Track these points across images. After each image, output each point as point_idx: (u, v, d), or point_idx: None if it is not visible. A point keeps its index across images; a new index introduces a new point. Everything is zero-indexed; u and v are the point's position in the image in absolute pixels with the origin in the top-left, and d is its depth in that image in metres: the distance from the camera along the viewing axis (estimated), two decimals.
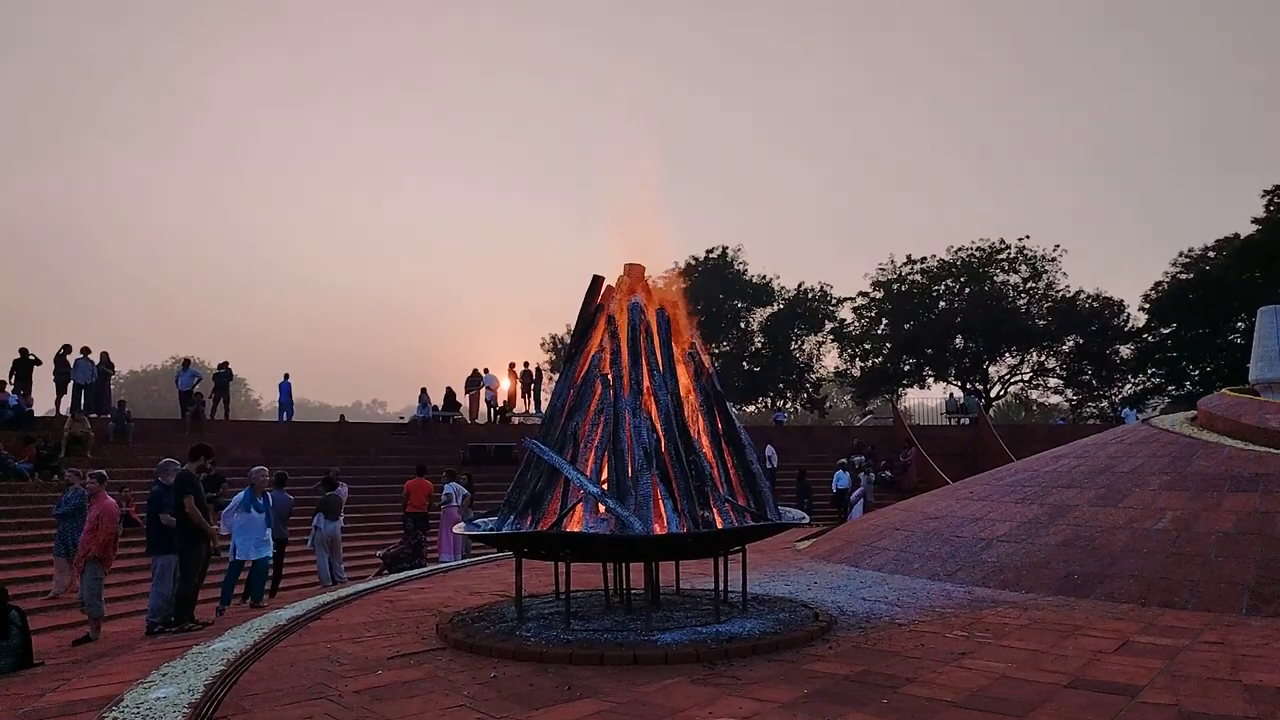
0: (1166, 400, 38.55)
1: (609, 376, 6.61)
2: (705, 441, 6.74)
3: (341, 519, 13.89)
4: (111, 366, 21.72)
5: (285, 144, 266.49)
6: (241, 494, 10.32)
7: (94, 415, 19.49)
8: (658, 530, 5.92)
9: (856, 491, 20.52)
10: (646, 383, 6.61)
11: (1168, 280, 38.17)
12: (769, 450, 24.98)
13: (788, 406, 45.18)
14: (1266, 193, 34.96)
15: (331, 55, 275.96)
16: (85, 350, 20.51)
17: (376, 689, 4.71)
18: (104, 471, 9.67)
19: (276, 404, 26.83)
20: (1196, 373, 37.91)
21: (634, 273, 7.26)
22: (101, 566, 8.94)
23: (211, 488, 12.97)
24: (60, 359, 20.34)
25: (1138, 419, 15.54)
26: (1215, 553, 7.30)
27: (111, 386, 22.34)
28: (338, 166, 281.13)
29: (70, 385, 20.24)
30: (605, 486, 6.20)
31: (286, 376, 25.60)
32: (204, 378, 24.55)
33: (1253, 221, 35.44)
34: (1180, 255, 38.41)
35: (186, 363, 23.64)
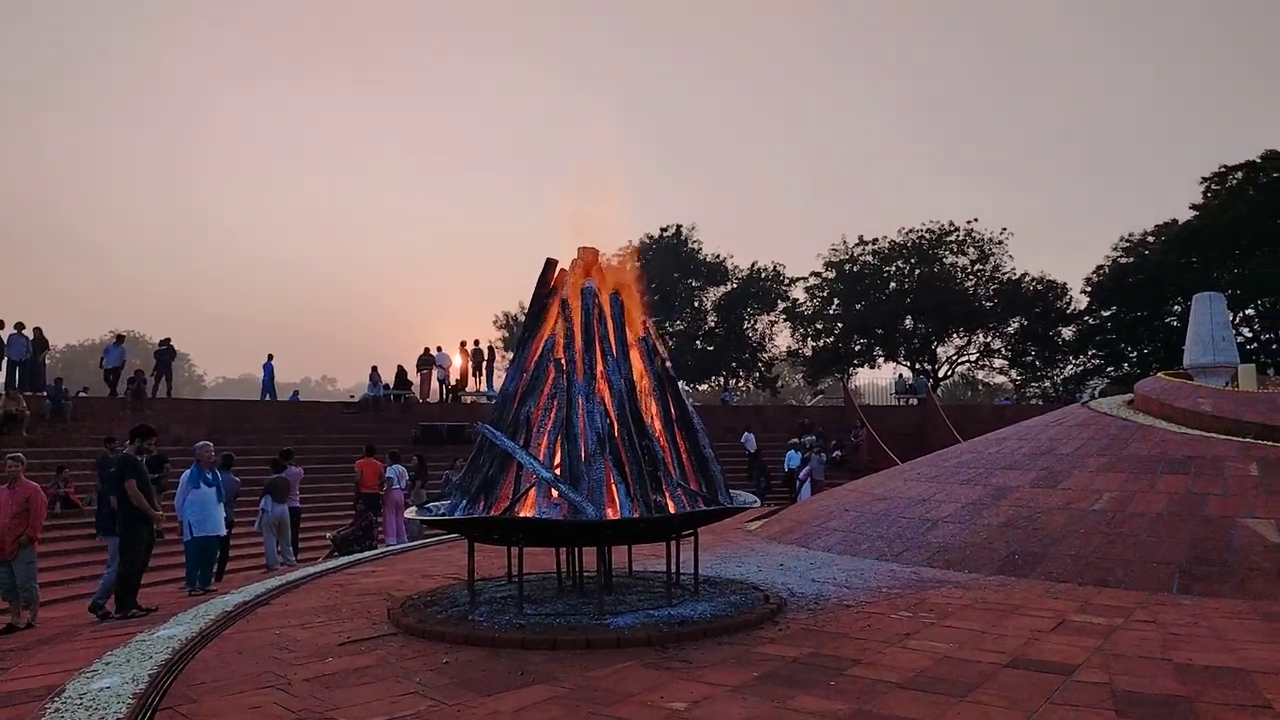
0: (1105, 381, 39.71)
1: (562, 361, 6.59)
2: (658, 425, 6.77)
3: (297, 498, 13.69)
4: (46, 343, 21.03)
5: (239, 119, 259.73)
6: (188, 471, 10.08)
7: (29, 393, 18.86)
8: (610, 515, 5.95)
9: (804, 471, 20.78)
10: (600, 367, 6.61)
11: (1108, 264, 39.19)
12: (746, 436, 24.64)
13: (740, 385, 45.52)
14: (1205, 179, 36.01)
15: (290, 31, 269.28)
16: (19, 326, 19.81)
17: (327, 676, 4.67)
18: (21, 454, 9.37)
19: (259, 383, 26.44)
20: (1134, 355, 39.07)
21: (588, 256, 7.24)
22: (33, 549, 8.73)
23: (154, 468, 12.66)
24: None
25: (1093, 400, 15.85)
26: (1148, 533, 7.57)
27: (47, 363, 21.64)
28: (290, 142, 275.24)
29: (4, 362, 19.54)
30: (558, 471, 6.21)
31: (270, 358, 25.40)
32: (132, 355, 23.97)
33: (1191, 207, 36.55)
34: (1121, 240, 39.53)
35: (120, 338, 23.01)
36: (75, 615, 9.05)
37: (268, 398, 25.52)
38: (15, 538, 8.53)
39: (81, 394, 21.92)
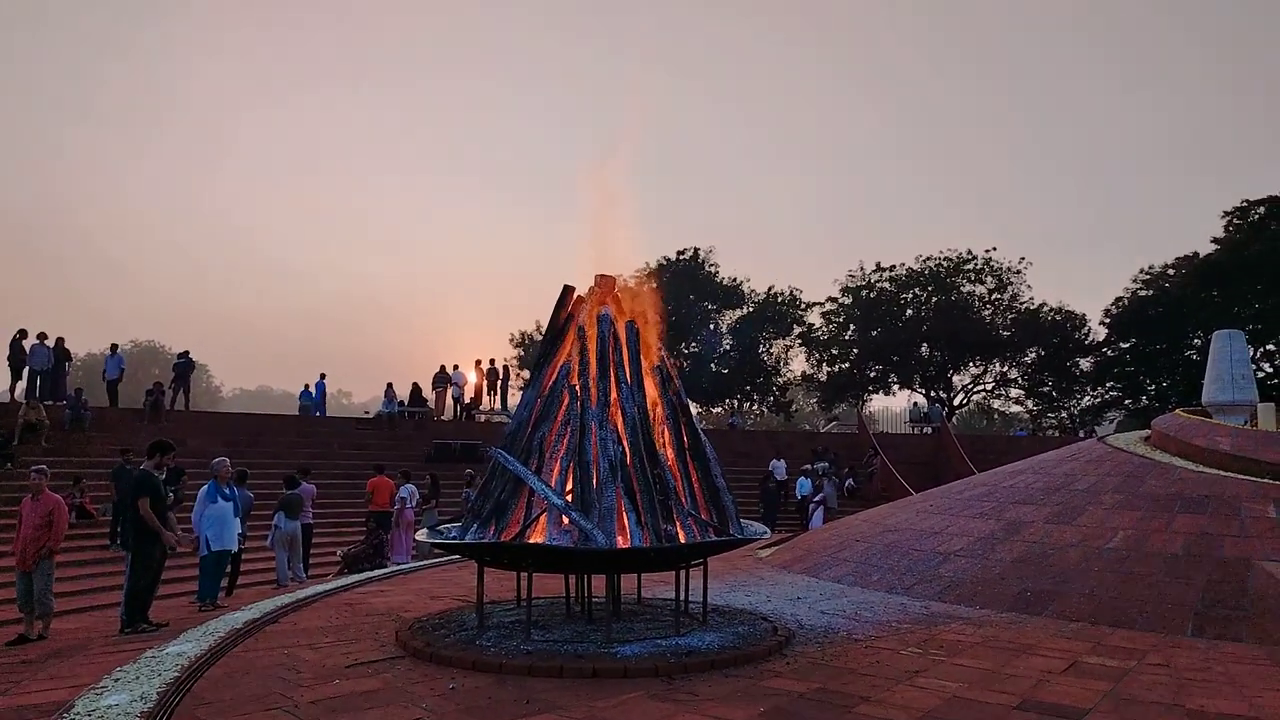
0: (1123, 413, 39.30)
1: (577, 388, 6.63)
2: (670, 455, 6.78)
3: (310, 515, 13.76)
4: (68, 354, 21.28)
5: (263, 135, 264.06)
6: (205, 487, 10.15)
7: (49, 403, 19.08)
8: (620, 543, 5.95)
9: (817, 498, 20.64)
10: (614, 395, 6.64)
11: (1128, 296, 38.88)
12: (775, 464, 23.22)
13: (754, 409, 45.38)
14: (1226, 213, 35.76)
15: (312, 49, 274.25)
16: (42, 336, 20.07)
17: (333, 699, 4.69)
18: (45, 466, 9.47)
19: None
20: (1153, 388, 38.66)
21: (605, 284, 7.29)
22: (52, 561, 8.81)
23: (172, 481, 12.75)
24: (15, 344, 19.87)
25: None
26: (1163, 573, 7.49)
27: (68, 373, 21.89)
28: (314, 158, 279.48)
29: (26, 371, 19.79)
30: (570, 498, 6.22)
31: (323, 377, 26.17)
32: (153, 365, 24.34)
33: (1212, 241, 36.27)
34: (1141, 272, 39.23)
35: (114, 348, 23.30)
36: (87, 627, 9.11)
37: (318, 415, 26.04)
38: (37, 549, 8.62)
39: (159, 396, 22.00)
